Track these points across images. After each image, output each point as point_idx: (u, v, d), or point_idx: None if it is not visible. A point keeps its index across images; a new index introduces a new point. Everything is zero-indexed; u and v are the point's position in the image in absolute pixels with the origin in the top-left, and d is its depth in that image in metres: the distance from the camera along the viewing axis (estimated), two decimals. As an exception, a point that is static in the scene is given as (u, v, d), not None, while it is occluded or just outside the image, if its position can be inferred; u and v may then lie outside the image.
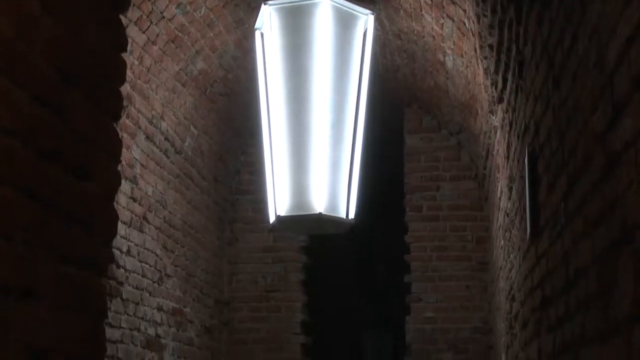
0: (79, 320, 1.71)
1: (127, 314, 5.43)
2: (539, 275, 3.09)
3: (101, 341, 1.85)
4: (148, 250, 5.82)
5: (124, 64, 2.01)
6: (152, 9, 5.42)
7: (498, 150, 5.30)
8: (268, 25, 5.26)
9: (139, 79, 5.63)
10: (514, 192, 4.17)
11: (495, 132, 5.41)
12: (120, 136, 2.06)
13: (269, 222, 6.48)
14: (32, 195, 1.50)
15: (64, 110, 1.62)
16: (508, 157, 4.46)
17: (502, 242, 5.15)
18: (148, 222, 5.84)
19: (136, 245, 5.61)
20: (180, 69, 6.21)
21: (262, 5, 5.22)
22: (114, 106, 1.95)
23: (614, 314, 1.80)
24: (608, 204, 1.86)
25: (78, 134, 1.70)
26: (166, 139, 6.24)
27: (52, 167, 1.58)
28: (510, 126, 4.24)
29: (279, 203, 5.45)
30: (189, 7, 5.73)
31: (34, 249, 1.50)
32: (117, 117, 1.97)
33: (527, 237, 3.41)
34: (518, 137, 3.82)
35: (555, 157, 2.65)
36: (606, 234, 1.89)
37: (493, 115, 5.39)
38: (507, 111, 4.43)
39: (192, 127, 6.76)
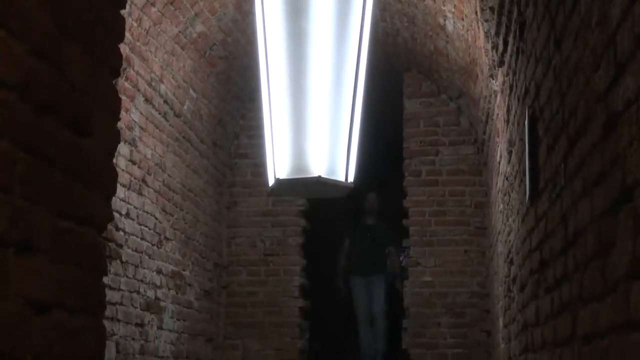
0: (79, 276, 1.71)
1: (127, 277, 5.45)
2: (538, 237, 3.10)
3: (101, 298, 1.86)
4: (147, 213, 5.83)
5: (122, 21, 1.99)
6: (151, -31, 5.37)
7: (498, 114, 5.29)
8: (268, -13, 5.20)
9: (138, 40, 5.59)
10: (513, 155, 4.16)
11: (495, 97, 5.39)
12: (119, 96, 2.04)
13: (268, 186, 6.48)
14: (30, 149, 1.49)
15: (62, 64, 1.61)
16: (508, 121, 4.45)
17: (501, 206, 5.15)
18: (147, 185, 5.84)
19: (135, 208, 5.62)
20: (179, 32, 6.17)
21: (262, -34, 5.17)
22: (113, 62, 1.94)
23: (613, 272, 1.80)
24: (608, 163, 1.86)
25: (76, 89, 1.69)
26: (165, 102, 6.22)
27: (50, 122, 1.57)
28: (511, 89, 4.22)
29: (278, 166, 5.44)
30: (187, -31, 5.68)
31: (32, 203, 1.50)
32: (116, 74, 1.96)
33: (526, 200, 3.42)
34: (518, 100, 3.81)
35: (556, 119, 2.64)
36: (605, 194, 1.88)
37: (493, 79, 5.36)
38: (507, 74, 4.41)
39: (191, 90, 6.73)
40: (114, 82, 1.95)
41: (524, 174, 3.51)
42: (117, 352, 5.24)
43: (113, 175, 1.92)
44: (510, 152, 4.35)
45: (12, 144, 1.42)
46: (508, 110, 4.41)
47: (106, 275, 1.82)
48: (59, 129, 1.62)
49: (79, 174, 1.71)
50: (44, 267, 1.54)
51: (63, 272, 1.63)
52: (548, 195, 2.83)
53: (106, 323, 2.51)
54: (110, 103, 1.90)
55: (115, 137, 1.93)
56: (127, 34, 5.11)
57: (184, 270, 6.63)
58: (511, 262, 4.38)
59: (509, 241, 4.51)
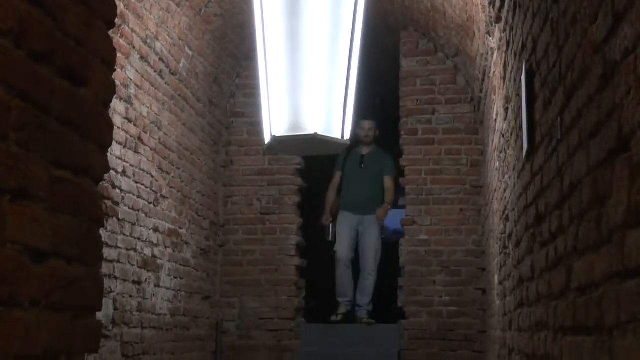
0: (75, 226, 1.72)
1: (124, 234, 5.46)
2: (534, 192, 3.11)
3: (98, 248, 1.86)
4: (143, 171, 5.83)
5: (116, -30, 1.98)
6: None
7: (494, 72, 5.27)
8: (263, -58, 5.16)
9: (132, -3, 5.54)
10: (509, 112, 4.16)
11: (492, 54, 5.37)
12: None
13: (264, 144, 6.47)
14: (25, 96, 1.48)
15: (56, 12, 1.59)
16: (504, 78, 4.44)
17: (497, 163, 5.16)
18: (143, 143, 5.83)
19: (131, 166, 5.61)
20: (174, -12, 6.11)
21: None
22: (108, 13, 1.92)
23: (608, 223, 1.81)
24: (605, 114, 1.85)
25: (71, 37, 1.67)
26: (161, 59, 6.18)
27: (45, 69, 1.56)
28: (508, 45, 4.20)
29: (274, 124, 5.44)
30: None
31: (28, 151, 1.49)
32: (111, 25, 1.94)
33: (523, 156, 3.42)
34: (515, 55, 3.80)
35: (553, 73, 2.63)
36: (602, 144, 1.88)
37: (490, 36, 5.34)
38: (504, 30, 4.39)
39: (186, 48, 6.69)
40: (108, 33, 1.94)
41: (520, 130, 3.51)
42: (115, 309, 5.27)
43: (109, 126, 1.91)
44: (506, 109, 4.34)
45: (7, 90, 1.41)
46: (505, 67, 4.40)
47: (103, 226, 1.82)
48: (54, 77, 1.61)
49: (75, 123, 1.71)
50: (41, 215, 1.54)
51: (60, 221, 1.63)
52: (544, 150, 2.83)
53: (104, 280, 2.52)
54: (106, 53, 1.89)
55: (110, 88, 1.92)
56: (121, -11, 5.07)
57: (180, 228, 6.65)
58: (507, 219, 4.40)
59: (505, 198, 4.53)
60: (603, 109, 1.87)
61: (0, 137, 1.40)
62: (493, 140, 5.60)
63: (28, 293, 1.50)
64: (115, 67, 2.05)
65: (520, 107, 3.44)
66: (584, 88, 2.10)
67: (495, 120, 5.29)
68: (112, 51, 1.93)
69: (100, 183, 1.86)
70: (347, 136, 5.48)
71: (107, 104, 1.90)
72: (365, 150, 7.89)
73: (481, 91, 6.74)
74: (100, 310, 1.84)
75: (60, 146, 1.64)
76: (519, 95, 3.57)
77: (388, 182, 7.80)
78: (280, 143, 5.41)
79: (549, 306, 2.67)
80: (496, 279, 5.38)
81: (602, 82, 1.89)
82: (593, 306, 1.95)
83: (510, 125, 4.14)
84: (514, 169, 3.94)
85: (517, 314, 3.78)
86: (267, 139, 5.60)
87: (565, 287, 2.36)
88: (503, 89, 4.54)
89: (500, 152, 4.84)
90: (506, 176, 4.43)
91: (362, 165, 7.84)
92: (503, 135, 4.62)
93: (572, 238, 2.25)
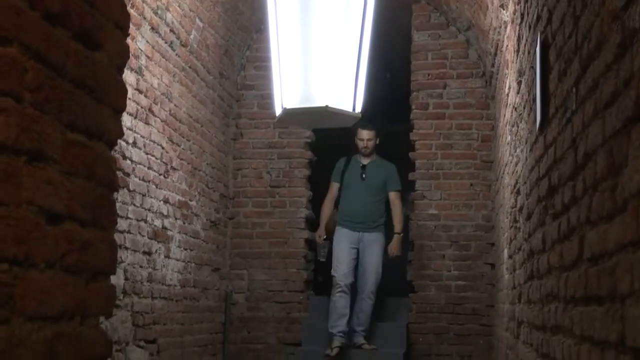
0: (90, 190, 1.72)
1: (134, 205, 5.48)
2: (546, 164, 3.10)
3: (112, 213, 1.86)
4: (154, 142, 5.83)
5: None
6: None
7: (507, 45, 5.23)
8: None
9: (144, -33, 5.52)
10: (523, 85, 4.13)
11: (505, 27, 5.33)
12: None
13: (274, 117, 6.47)
14: (40, 57, 1.48)
15: (70, -27, 1.59)
16: (518, 51, 4.41)
17: (509, 137, 5.14)
18: (154, 115, 5.83)
19: (142, 137, 5.61)
20: (185, -41, 6.08)
21: None
22: (121, -22, 1.91)
23: (623, 191, 1.80)
24: (622, 82, 1.84)
25: (85, 0, 1.67)
26: (171, 30, 6.16)
27: (59, 31, 1.56)
28: (522, 18, 4.17)
29: (285, 96, 5.42)
30: None
31: (43, 112, 1.49)
32: (124, -10, 1.93)
33: (536, 129, 3.40)
34: (530, 27, 3.77)
35: (568, 43, 2.61)
36: (618, 113, 1.87)
37: (504, 9, 5.30)
38: (518, 2, 4.35)
39: (197, 19, 6.66)
40: None
41: (534, 102, 3.49)
42: (126, 279, 5.30)
43: (123, 90, 1.91)
44: (519, 82, 4.31)
45: (22, 50, 1.41)
46: (518, 40, 4.36)
47: (117, 190, 1.82)
48: (69, 40, 1.61)
49: (89, 87, 1.70)
50: (55, 178, 1.55)
51: (74, 184, 1.63)
52: (558, 122, 2.81)
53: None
54: (120, 17, 1.88)
55: (124, 52, 1.91)
56: (133, -41, 5.05)
57: (190, 200, 6.66)
58: (518, 193, 4.39)
59: (516, 172, 4.51)
60: (620, 78, 1.86)
61: (15, 98, 1.40)
62: (505, 115, 5.58)
63: (43, 254, 1.50)
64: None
65: (534, 79, 3.42)
66: (601, 57, 2.09)
67: (508, 94, 5.26)
68: (126, 15, 1.93)
69: (111, 153, 1.86)
70: (358, 109, 5.46)
71: (120, 69, 1.89)
72: (366, 161, 7.21)
73: (493, 65, 6.70)
74: (114, 274, 1.84)
75: (75, 109, 1.63)
76: (532, 67, 3.55)
77: (395, 200, 7.10)
78: (291, 115, 5.40)
79: (560, 277, 2.67)
80: (505, 253, 5.38)
81: (619, 50, 1.87)
82: (606, 275, 1.94)
83: (523, 98, 4.12)
84: (526, 142, 3.92)
85: (527, 287, 3.79)
86: (277, 111, 5.59)
87: (577, 257, 2.35)
88: (516, 62, 4.51)
89: (512, 126, 4.82)
90: (518, 150, 4.42)
91: (364, 176, 7.13)
92: (515, 109, 4.60)
93: (586, 209, 2.24)
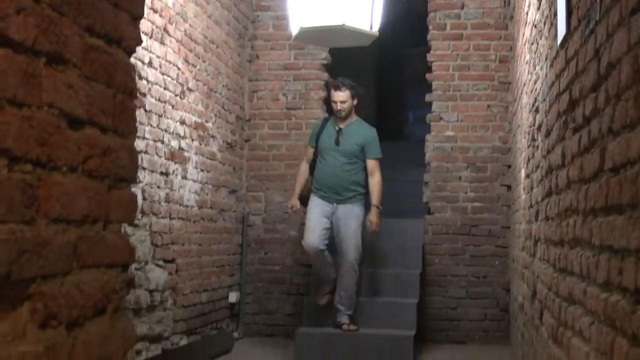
0: (109, 96, 1.71)
1: (151, 125, 5.48)
2: (567, 78, 3.06)
3: (132, 120, 1.86)
4: (170, 62, 5.79)
5: None
6: None
7: (528, -39, 5.12)
8: None
9: None
10: (543, 1, 4.06)
11: (527, -58, 5.21)
12: None
13: (290, 39, 6.40)
14: (57, -43, 1.45)
15: None
16: (539, -35, 4.31)
17: (528, 56, 5.07)
18: (169, 35, 5.77)
19: (158, 57, 5.58)
20: None
21: None
22: None
23: (647, 98, 1.78)
24: (650, -14, 1.80)
25: None
26: (185, -52, 6.06)
27: None
28: None
29: (301, 14, 5.36)
30: None
31: (62, 15, 1.47)
32: None
33: (557, 44, 3.35)
34: (552, -61, 3.67)
35: (593, -48, 2.54)
36: (645, 19, 1.83)
37: None
38: None
39: (211, -63, 6.55)
40: None
41: (555, 17, 3.43)
42: (144, 199, 5.33)
43: (140, -3, 1.88)
44: (540, -2, 4.23)
45: (40, -50, 1.39)
46: (540, -46, 4.26)
47: (136, 97, 1.81)
48: (86, -59, 1.58)
49: (106, -9, 1.68)
50: (75, 82, 1.54)
51: (94, 89, 1.62)
52: (580, 34, 2.77)
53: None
54: None
55: (141, -43, 1.88)
56: None
57: (207, 122, 6.65)
58: (536, 111, 4.35)
59: (535, 90, 4.47)
60: (648, -18, 1.82)
61: (34, -2, 1.38)
62: (524, 34, 5.50)
63: (65, 158, 1.50)
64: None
65: (556, -8, 3.35)
66: (627, -37, 2.03)
67: (527, 12, 5.17)
68: None
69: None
70: (375, 28, 5.40)
71: (137, -25, 1.86)
72: (342, 124, 6.42)
73: (513, -17, 6.57)
74: (135, 182, 1.85)
75: (93, 13, 1.62)
76: (554, -20, 3.47)
77: (373, 169, 6.33)
78: (307, 34, 5.35)
79: (580, 190, 2.66)
80: (523, 173, 5.37)
81: (647, -47, 1.82)
82: (627, 183, 1.93)
83: (543, 14, 4.05)
84: (546, 59, 3.87)
85: (545, 204, 3.79)
86: (294, 31, 5.53)
87: (598, 169, 2.34)
88: (537, -23, 4.42)
89: (532, 44, 4.75)
90: (537, 67, 4.36)
91: (338, 142, 6.35)
92: (535, 26, 4.53)
93: (608, 119, 2.22)
